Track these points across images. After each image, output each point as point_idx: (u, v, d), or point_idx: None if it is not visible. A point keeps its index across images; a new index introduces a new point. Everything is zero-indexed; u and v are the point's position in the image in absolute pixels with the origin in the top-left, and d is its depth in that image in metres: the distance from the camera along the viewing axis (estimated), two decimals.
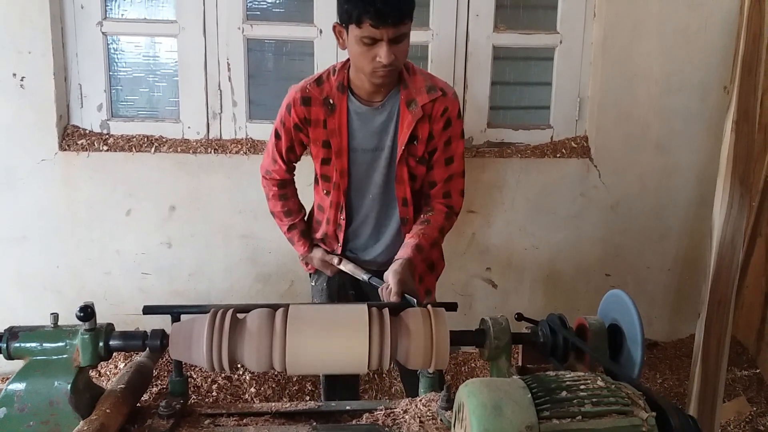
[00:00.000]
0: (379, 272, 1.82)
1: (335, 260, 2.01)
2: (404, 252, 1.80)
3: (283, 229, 2.07)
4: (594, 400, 1.04)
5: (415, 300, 1.54)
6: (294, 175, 2.05)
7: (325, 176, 1.93)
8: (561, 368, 1.40)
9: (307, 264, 2.13)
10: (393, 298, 1.64)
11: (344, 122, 1.84)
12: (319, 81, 1.87)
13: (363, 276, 1.93)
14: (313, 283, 2.15)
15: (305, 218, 2.09)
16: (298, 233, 2.04)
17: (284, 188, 2.03)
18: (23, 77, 2.59)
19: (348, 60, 1.83)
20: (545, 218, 2.90)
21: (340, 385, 2.20)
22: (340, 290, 2.10)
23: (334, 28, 1.77)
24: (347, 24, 1.70)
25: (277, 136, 1.94)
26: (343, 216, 1.95)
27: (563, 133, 2.91)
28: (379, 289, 1.72)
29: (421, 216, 1.92)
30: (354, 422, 1.40)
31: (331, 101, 1.84)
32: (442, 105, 1.83)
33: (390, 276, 1.68)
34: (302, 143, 1.94)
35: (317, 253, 2.04)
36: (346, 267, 2.00)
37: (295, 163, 2.03)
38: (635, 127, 2.83)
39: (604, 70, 2.78)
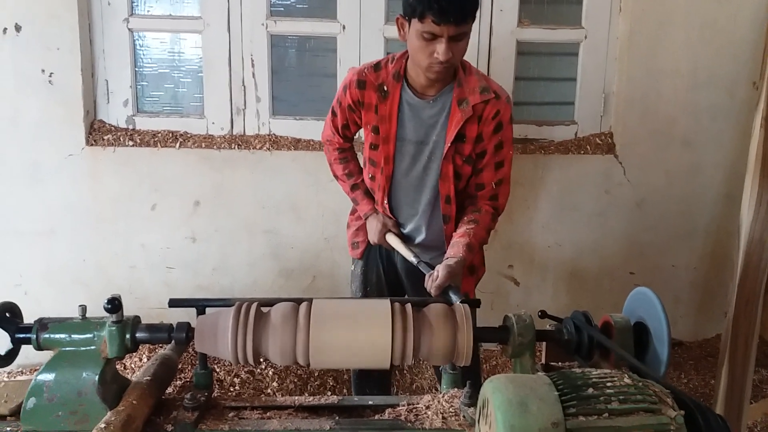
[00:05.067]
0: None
1: (394, 229, 1.98)
2: (455, 251, 1.77)
3: (346, 190, 2.11)
4: (621, 397, 1.03)
5: (458, 298, 1.51)
6: (353, 142, 2.10)
7: (372, 161, 1.97)
8: (586, 366, 1.39)
9: (353, 247, 2.12)
10: (433, 290, 1.63)
11: (395, 110, 1.87)
12: (377, 67, 1.90)
13: (412, 258, 1.87)
14: (352, 268, 2.17)
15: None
16: (361, 192, 2.06)
17: (344, 152, 2.09)
18: (51, 73, 2.63)
19: (407, 51, 1.84)
20: (569, 215, 2.87)
21: (372, 380, 2.19)
22: (378, 281, 2.10)
23: (396, 19, 1.79)
24: (410, 17, 1.71)
25: (333, 113, 2.00)
26: (386, 201, 1.97)
27: (588, 129, 2.88)
28: (427, 276, 1.70)
29: (469, 215, 1.90)
30: (376, 417, 1.40)
31: (386, 88, 1.88)
32: (494, 108, 1.83)
33: (441, 267, 1.67)
34: (356, 123, 1.99)
35: (380, 216, 2.01)
36: (399, 245, 1.96)
37: (352, 136, 2.08)
38: (661, 123, 2.79)
39: (629, 66, 2.74)
